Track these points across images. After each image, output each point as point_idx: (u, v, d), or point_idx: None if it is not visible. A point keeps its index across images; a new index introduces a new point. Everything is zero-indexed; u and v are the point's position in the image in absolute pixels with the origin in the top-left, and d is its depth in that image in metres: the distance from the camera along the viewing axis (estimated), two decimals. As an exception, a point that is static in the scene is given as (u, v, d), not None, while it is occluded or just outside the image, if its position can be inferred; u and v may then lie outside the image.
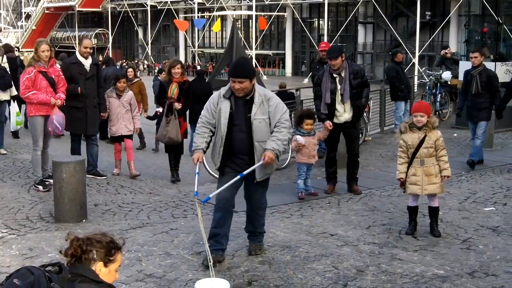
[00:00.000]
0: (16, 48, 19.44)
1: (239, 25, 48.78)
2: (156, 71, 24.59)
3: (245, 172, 4.98)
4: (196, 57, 53.69)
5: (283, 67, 50.55)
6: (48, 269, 2.61)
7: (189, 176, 9.62)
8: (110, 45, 58.77)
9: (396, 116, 12.95)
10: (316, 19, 47.97)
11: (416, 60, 36.01)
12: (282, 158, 10.27)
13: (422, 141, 5.84)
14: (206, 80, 15.48)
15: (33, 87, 7.54)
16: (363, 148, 10.42)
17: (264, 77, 39.25)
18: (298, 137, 7.56)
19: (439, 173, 5.87)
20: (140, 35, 60.99)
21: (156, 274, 4.93)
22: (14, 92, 10.38)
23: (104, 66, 12.68)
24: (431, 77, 15.42)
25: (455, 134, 12.60)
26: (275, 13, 47.96)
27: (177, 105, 8.55)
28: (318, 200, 7.54)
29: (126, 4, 57.90)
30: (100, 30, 61.01)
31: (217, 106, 5.11)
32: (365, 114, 10.88)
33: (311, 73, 19.64)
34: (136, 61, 53.42)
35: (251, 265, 5.13)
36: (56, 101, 7.63)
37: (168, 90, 8.59)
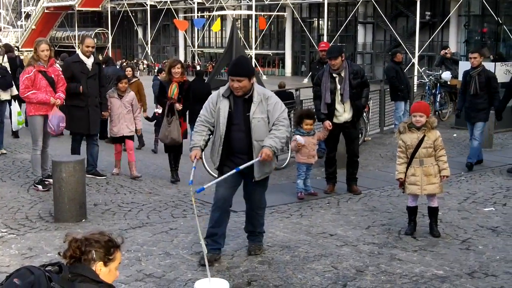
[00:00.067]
0: (16, 48, 19.45)
1: (239, 25, 48.77)
2: (155, 70, 24.57)
3: (241, 167, 4.98)
4: (196, 57, 53.69)
5: (283, 67, 50.54)
6: (48, 269, 2.60)
7: (188, 176, 9.59)
8: (109, 44, 58.75)
9: (396, 116, 12.95)
10: (316, 19, 47.97)
11: (415, 60, 36.01)
12: (282, 158, 10.30)
13: (421, 141, 5.84)
14: (206, 80, 15.50)
15: (32, 86, 7.53)
16: (362, 148, 10.42)
17: (264, 77, 39.23)
18: (298, 137, 7.56)
19: (438, 173, 5.87)
20: (140, 35, 60.98)
21: (156, 274, 4.93)
22: (15, 92, 10.37)
23: (103, 66, 12.67)
24: (430, 77, 15.43)
25: (455, 135, 12.61)
26: (275, 13, 47.95)
27: (178, 106, 8.54)
28: (317, 200, 7.54)
29: (125, 4, 57.88)
30: (99, 30, 60.99)
31: (216, 106, 5.11)
32: (364, 114, 10.88)
33: (310, 73, 19.63)
34: (135, 61, 53.39)
35: (250, 265, 5.13)
36: (55, 101, 7.63)
37: (168, 90, 8.58)
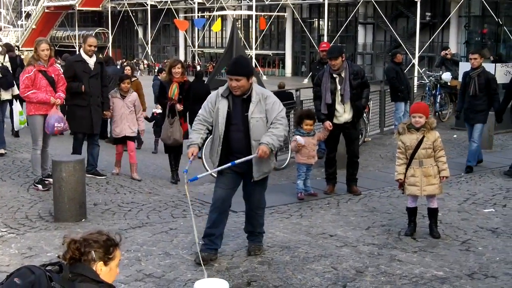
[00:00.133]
0: (16, 47, 19.40)
1: (239, 25, 48.77)
2: (156, 70, 24.58)
3: (237, 161, 4.99)
4: (196, 57, 53.70)
5: (283, 67, 50.56)
6: (48, 268, 2.60)
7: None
8: (110, 44, 58.77)
9: (396, 117, 12.95)
10: (316, 19, 47.99)
11: (416, 61, 36.04)
12: (282, 158, 10.30)
13: (420, 142, 5.84)
14: (206, 81, 15.51)
15: (32, 86, 7.53)
16: (362, 149, 10.42)
17: (264, 77, 39.24)
18: (298, 137, 7.56)
19: (438, 174, 5.87)
20: (140, 35, 60.99)
21: (155, 274, 4.93)
22: (16, 91, 10.37)
23: (103, 66, 12.66)
24: (431, 78, 15.43)
25: (455, 135, 12.60)
26: (275, 13, 47.97)
27: (179, 107, 8.53)
28: (317, 201, 7.54)
29: (126, 4, 57.90)
30: (100, 30, 61.01)
31: (215, 105, 5.12)
32: (364, 114, 10.88)
33: (311, 73, 19.64)
34: (135, 61, 53.39)
35: (250, 266, 5.13)
36: (55, 100, 7.62)
37: (169, 90, 8.57)
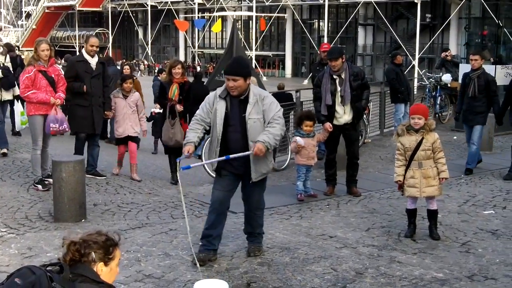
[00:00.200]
0: (16, 47, 19.38)
1: (239, 26, 48.78)
2: (156, 71, 24.61)
3: (231, 156, 4.99)
4: (196, 58, 53.70)
5: (283, 68, 50.58)
6: (49, 268, 2.61)
7: (188, 176, 9.62)
8: (110, 45, 58.78)
9: (396, 118, 12.95)
10: (316, 20, 48.00)
11: (416, 63, 36.07)
12: (282, 159, 10.30)
13: (419, 144, 5.83)
14: (206, 82, 15.50)
15: (32, 86, 7.53)
16: (362, 150, 10.42)
17: (264, 78, 39.24)
18: (298, 138, 7.56)
19: (437, 176, 5.86)
20: (140, 35, 61.01)
21: (155, 275, 4.93)
22: (17, 92, 10.37)
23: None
24: (431, 79, 15.43)
25: (455, 137, 12.60)
26: (275, 14, 47.98)
27: (179, 107, 8.51)
28: (317, 202, 7.54)
29: (126, 4, 57.92)
30: (100, 30, 61.02)
31: (213, 106, 5.12)
32: (364, 116, 10.88)
33: (311, 74, 19.65)
34: (135, 61, 53.41)
35: (250, 267, 5.13)
36: (55, 101, 7.62)
37: (169, 90, 8.56)
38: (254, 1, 46.15)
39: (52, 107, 7.61)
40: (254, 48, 47.22)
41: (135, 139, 8.93)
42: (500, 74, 12.60)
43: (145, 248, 5.58)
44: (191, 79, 10.87)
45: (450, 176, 6.16)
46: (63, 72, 8.69)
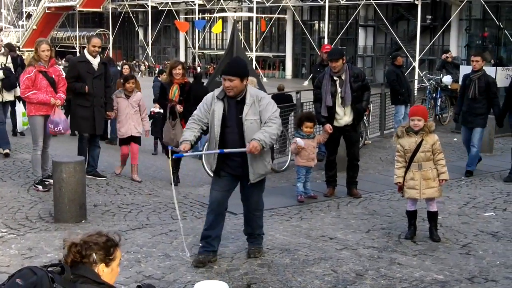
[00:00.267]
0: (17, 48, 19.38)
1: (240, 27, 48.80)
2: (156, 72, 24.63)
3: (225, 150, 5.01)
4: (196, 58, 53.72)
5: (283, 69, 50.62)
6: (50, 269, 2.61)
7: (189, 177, 9.64)
8: (110, 45, 58.80)
9: (396, 120, 12.95)
10: (317, 21, 48.04)
11: (416, 64, 36.09)
12: (282, 161, 10.31)
13: (419, 145, 5.83)
14: (206, 83, 15.50)
15: (33, 86, 7.52)
16: (363, 152, 10.42)
17: (264, 79, 39.27)
18: (298, 140, 7.56)
19: (437, 177, 5.86)
20: (141, 36, 61.05)
21: (155, 276, 4.92)
22: (19, 92, 10.38)
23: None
24: (431, 81, 15.43)
25: (455, 139, 12.59)
26: (276, 15, 48.01)
27: (179, 108, 8.51)
28: (317, 203, 7.53)
29: (127, 5, 57.97)
30: (100, 31, 61.06)
31: (211, 107, 5.13)
32: (365, 117, 10.88)
33: (311, 75, 19.67)
34: (135, 62, 53.43)
35: (250, 268, 5.12)
36: (55, 101, 7.61)
37: (169, 91, 8.56)
38: (254, 2, 46.19)
39: (53, 107, 7.61)
40: (254, 49, 47.25)
41: (138, 139, 8.92)
42: (501, 76, 12.59)
43: (145, 249, 5.57)
44: (191, 80, 10.87)
45: (451, 178, 6.16)
46: (63, 73, 8.69)
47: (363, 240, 5.96)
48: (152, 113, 11.79)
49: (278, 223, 6.56)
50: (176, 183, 8.82)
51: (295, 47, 49.86)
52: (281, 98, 12.22)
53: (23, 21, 67.21)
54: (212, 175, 8.04)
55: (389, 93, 13.30)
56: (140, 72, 47.62)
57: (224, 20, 50.71)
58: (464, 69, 12.91)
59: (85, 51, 8.38)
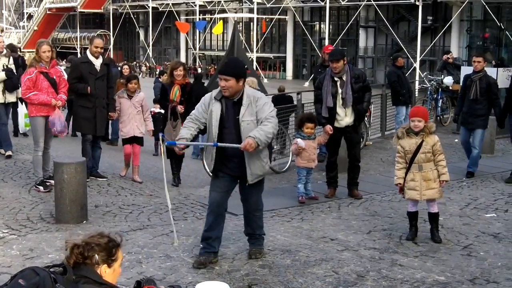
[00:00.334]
0: (18, 49, 19.39)
1: (240, 28, 48.80)
2: (157, 73, 24.65)
3: (219, 144, 5.02)
4: (197, 59, 53.73)
5: (284, 70, 50.59)
6: (52, 270, 2.61)
7: (189, 178, 9.64)
8: (111, 46, 58.80)
9: (397, 121, 12.94)
10: (318, 22, 48.02)
11: (417, 65, 36.08)
12: (283, 162, 10.31)
13: (419, 147, 5.82)
14: (207, 84, 15.52)
15: (34, 87, 7.53)
16: (363, 153, 10.41)
17: (265, 80, 39.27)
18: (299, 140, 7.56)
19: (437, 178, 5.86)
20: (142, 37, 61.07)
21: (156, 277, 4.92)
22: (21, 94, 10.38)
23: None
24: (432, 82, 15.43)
25: (456, 140, 12.56)
26: (277, 16, 47.99)
27: (180, 109, 8.51)
28: (318, 204, 7.53)
29: (127, 6, 57.99)
30: (101, 32, 61.05)
31: (208, 108, 5.14)
32: (366, 118, 10.88)
33: (312, 76, 19.68)
34: (135, 63, 53.43)
35: (251, 269, 5.12)
36: (56, 102, 7.62)
37: (170, 92, 8.56)
38: (255, 3, 46.18)
39: (54, 108, 7.61)
40: (255, 50, 47.24)
41: (140, 140, 8.92)
42: (502, 77, 12.59)
43: (146, 250, 5.57)
44: (192, 81, 10.87)
45: (452, 179, 6.16)
46: (64, 74, 8.68)
47: (364, 241, 5.96)
48: (152, 113, 11.78)
49: (279, 224, 6.56)
50: (177, 184, 8.85)
51: (295, 48, 49.84)
52: (282, 99, 12.23)
53: (24, 22, 67.25)
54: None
55: (390, 94, 13.30)
56: (141, 73, 47.62)
57: (225, 21, 50.71)
58: (465, 70, 12.91)
59: (88, 52, 8.37)
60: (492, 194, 8.01)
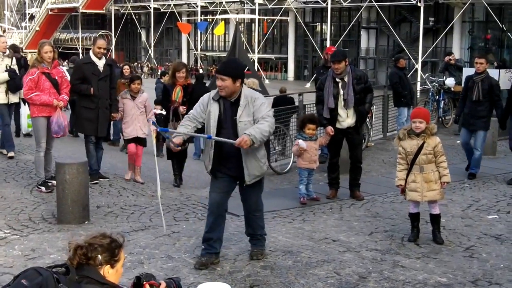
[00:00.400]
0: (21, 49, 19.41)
1: (242, 29, 48.81)
2: (158, 73, 24.64)
3: (213, 137, 5.03)
4: (199, 60, 53.76)
5: (285, 71, 50.59)
6: (55, 270, 2.62)
7: (191, 179, 9.63)
8: (113, 47, 58.86)
9: (399, 122, 12.93)
10: (319, 23, 48.04)
11: (419, 66, 36.05)
12: (284, 163, 10.31)
13: (420, 148, 5.82)
14: (208, 85, 15.52)
15: (36, 88, 7.53)
16: (365, 154, 10.40)
17: (266, 81, 39.28)
18: (300, 141, 7.56)
19: (438, 180, 5.85)
20: (143, 38, 61.10)
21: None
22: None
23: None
24: (434, 83, 15.42)
25: (458, 141, 12.54)
26: (278, 17, 48.01)
27: (182, 110, 8.50)
28: (320, 206, 7.53)
29: (129, 7, 58.04)
30: (103, 32, 61.12)
31: (207, 108, 5.15)
32: (367, 119, 10.88)
33: (314, 77, 19.67)
34: (137, 63, 53.45)
35: (252, 270, 5.12)
36: (58, 103, 7.62)
37: (172, 93, 8.56)
38: (257, 4, 46.17)
39: (56, 109, 7.61)
40: (256, 51, 47.23)
41: (143, 141, 8.92)
42: (504, 78, 12.57)
43: (148, 250, 5.57)
44: (193, 81, 10.88)
45: (454, 180, 6.16)
46: (67, 74, 8.68)
47: (366, 242, 5.95)
48: (153, 113, 11.78)
49: (280, 225, 6.55)
50: (179, 184, 8.85)
51: (297, 49, 49.84)
52: (283, 100, 12.23)
53: (26, 23, 67.36)
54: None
55: (391, 95, 13.29)
56: (143, 74, 47.65)
57: (227, 22, 50.75)
58: (467, 71, 12.89)
59: (91, 52, 8.37)
60: (494, 195, 8.00)
